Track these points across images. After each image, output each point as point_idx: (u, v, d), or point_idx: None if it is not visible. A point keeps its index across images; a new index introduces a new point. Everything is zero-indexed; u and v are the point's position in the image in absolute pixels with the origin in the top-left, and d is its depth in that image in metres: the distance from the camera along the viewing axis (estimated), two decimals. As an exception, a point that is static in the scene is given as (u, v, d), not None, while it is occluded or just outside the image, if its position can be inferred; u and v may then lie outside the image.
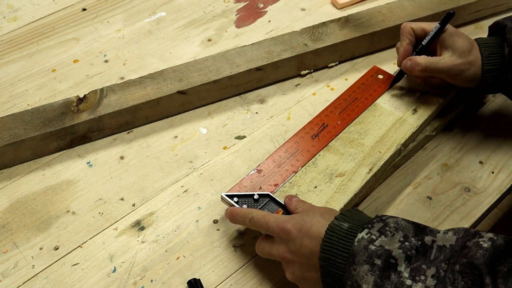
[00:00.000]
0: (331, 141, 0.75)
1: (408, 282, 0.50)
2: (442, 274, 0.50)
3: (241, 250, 0.69)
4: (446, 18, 0.76)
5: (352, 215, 0.58)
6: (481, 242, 0.50)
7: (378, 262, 0.52)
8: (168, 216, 0.73)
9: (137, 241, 0.70)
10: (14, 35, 0.96)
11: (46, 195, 0.74)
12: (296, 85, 0.89)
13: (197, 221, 0.72)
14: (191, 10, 1.02)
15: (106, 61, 0.92)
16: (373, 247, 0.53)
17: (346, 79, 0.90)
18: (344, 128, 0.77)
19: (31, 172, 0.77)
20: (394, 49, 0.94)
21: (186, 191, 0.75)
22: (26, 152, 0.77)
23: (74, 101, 0.79)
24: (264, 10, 1.02)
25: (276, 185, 0.71)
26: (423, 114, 0.78)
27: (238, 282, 0.66)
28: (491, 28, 0.78)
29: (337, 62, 0.92)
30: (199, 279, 0.66)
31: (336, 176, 0.71)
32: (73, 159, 0.79)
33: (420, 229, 0.55)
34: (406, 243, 0.53)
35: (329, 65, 0.91)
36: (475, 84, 0.76)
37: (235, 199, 0.68)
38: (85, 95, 0.80)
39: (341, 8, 1.02)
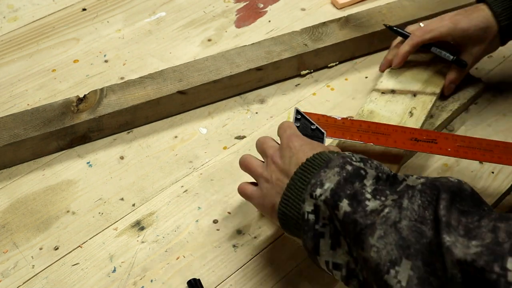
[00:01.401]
0: (425, 152, 0.71)
1: (368, 196, 0.50)
2: (403, 194, 0.50)
3: (241, 250, 0.69)
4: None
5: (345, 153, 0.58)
6: (451, 179, 0.50)
7: (349, 168, 0.53)
8: (168, 216, 0.73)
9: (137, 241, 0.70)
10: (14, 35, 0.96)
11: (46, 195, 0.74)
12: (296, 85, 0.89)
13: (197, 221, 0.72)
14: (191, 10, 1.02)
15: (106, 61, 0.92)
16: (348, 160, 0.54)
17: (346, 79, 0.90)
18: (449, 157, 0.73)
19: (31, 172, 0.77)
20: (394, 49, 0.94)
21: (186, 191, 0.75)
22: (26, 152, 0.77)
23: (74, 101, 0.79)
24: (264, 10, 1.02)
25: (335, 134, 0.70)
26: (420, 115, 0.77)
27: (238, 282, 0.66)
28: None
29: (337, 62, 0.92)
30: (199, 279, 0.66)
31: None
32: (73, 159, 0.79)
33: (395, 176, 0.54)
34: (380, 171, 0.53)
35: (329, 65, 0.91)
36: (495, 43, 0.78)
37: (299, 116, 0.69)
38: (85, 95, 0.80)
39: (341, 8, 1.02)
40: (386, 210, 0.48)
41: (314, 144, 0.61)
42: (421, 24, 0.81)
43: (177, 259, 0.68)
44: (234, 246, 0.70)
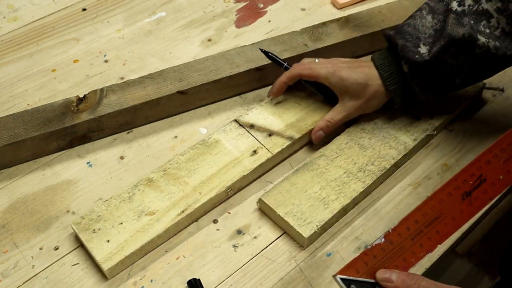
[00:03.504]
0: (486, 205, 0.57)
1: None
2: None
3: (241, 250, 0.69)
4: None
5: None
6: None
7: None
8: (168, 216, 0.73)
9: (137, 241, 0.70)
10: (14, 35, 0.96)
11: (46, 195, 0.74)
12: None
13: (197, 220, 0.72)
14: (191, 10, 1.02)
15: (106, 61, 0.92)
16: None
17: (346, 79, 0.90)
18: (506, 188, 0.57)
19: (31, 172, 0.77)
20: (394, 49, 0.94)
21: (186, 191, 0.75)
22: (26, 152, 0.77)
23: (74, 101, 0.79)
24: (264, 10, 1.02)
25: (405, 267, 0.54)
26: (262, 156, 0.75)
27: (238, 282, 0.66)
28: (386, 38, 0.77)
29: (337, 62, 0.92)
30: (199, 279, 0.66)
31: (146, 214, 0.68)
32: (73, 159, 0.79)
33: None
34: None
35: (329, 65, 0.91)
36: (383, 104, 0.77)
37: (353, 287, 0.53)
38: (85, 95, 0.80)
39: (341, 8, 1.02)
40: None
41: None
42: (316, 60, 0.79)
43: (177, 259, 0.68)
44: (234, 246, 0.70)
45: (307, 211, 0.69)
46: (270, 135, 0.77)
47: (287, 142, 0.76)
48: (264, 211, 0.73)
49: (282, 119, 0.79)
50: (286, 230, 0.71)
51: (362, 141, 0.77)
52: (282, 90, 0.80)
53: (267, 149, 0.75)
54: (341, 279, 0.53)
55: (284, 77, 0.79)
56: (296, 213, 0.69)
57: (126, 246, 0.66)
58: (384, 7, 0.94)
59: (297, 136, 0.77)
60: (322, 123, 0.77)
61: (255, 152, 0.75)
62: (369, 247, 0.55)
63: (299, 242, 0.69)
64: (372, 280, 0.54)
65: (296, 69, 0.78)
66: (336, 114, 0.77)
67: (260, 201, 0.72)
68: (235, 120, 0.79)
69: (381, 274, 0.53)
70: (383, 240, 0.55)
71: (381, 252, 0.54)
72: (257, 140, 0.76)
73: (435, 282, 0.52)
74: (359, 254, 0.55)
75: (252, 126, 0.78)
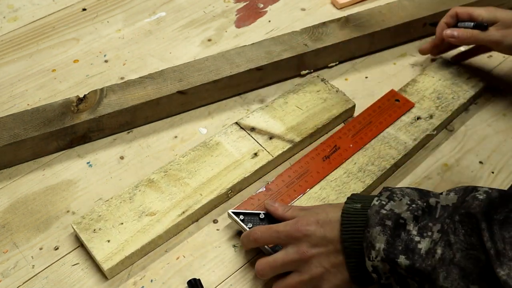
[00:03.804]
0: (342, 163, 0.74)
1: (417, 238, 0.54)
2: (445, 227, 0.53)
3: (241, 250, 0.69)
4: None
5: (360, 197, 0.61)
6: (477, 195, 0.53)
7: (388, 223, 0.56)
8: (168, 216, 0.73)
9: (137, 241, 0.70)
10: (14, 35, 0.96)
11: (46, 195, 0.74)
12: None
13: (197, 221, 0.72)
14: (191, 10, 1.02)
15: (106, 61, 0.92)
16: (383, 211, 0.56)
17: (346, 79, 0.90)
18: (356, 152, 0.75)
19: (31, 172, 0.77)
20: (394, 50, 0.94)
21: (186, 191, 0.75)
22: (26, 152, 0.77)
23: (74, 101, 0.79)
24: (264, 10, 1.02)
25: None
26: (263, 159, 0.75)
27: (238, 282, 0.66)
28: None
29: (337, 62, 0.92)
30: (199, 279, 0.66)
31: (146, 215, 0.69)
32: (73, 159, 0.79)
33: (423, 194, 0.58)
34: (413, 205, 0.56)
35: (329, 65, 0.91)
36: None
37: (241, 217, 0.67)
38: (85, 95, 0.80)
39: (341, 8, 1.02)
40: (439, 251, 0.52)
41: (319, 212, 0.62)
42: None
43: (177, 259, 0.68)
44: (234, 246, 0.70)
45: (307, 211, 0.70)
46: (271, 138, 0.77)
47: (288, 145, 0.76)
48: (264, 211, 0.73)
49: (283, 123, 0.79)
50: (286, 230, 0.71)
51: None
52: (443, 30, 0.84)
53: (267, 151, 0.75)
54: (233, 212, 0.68)
55: (443, 18, 0.85)
56: (296, 213, 0.69)
57: (127, 246, 0.66)
58: (384, 7, 0.94)
59: (297, 139, 0.77)
60: (462, 30, 0.82)
61: (255, 154, 0.75)
62: (254, 194, 0.70)
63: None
64: (258, 211, 0.68)
65: (452, 9, 0.84)
66: (481, 32, 0.80)
67: (260, 201, 0.72)
68: (236, 123, 0.79)
69: (267, 202, 0.67)
70: (264, 189, 0.71)
71: (263, 196, 0.71)
72: (258, 142, 0.76)
73: (303, 206, 0.66)
74: (246, 199, 0.70)
75: (253, 129, 0.78)
